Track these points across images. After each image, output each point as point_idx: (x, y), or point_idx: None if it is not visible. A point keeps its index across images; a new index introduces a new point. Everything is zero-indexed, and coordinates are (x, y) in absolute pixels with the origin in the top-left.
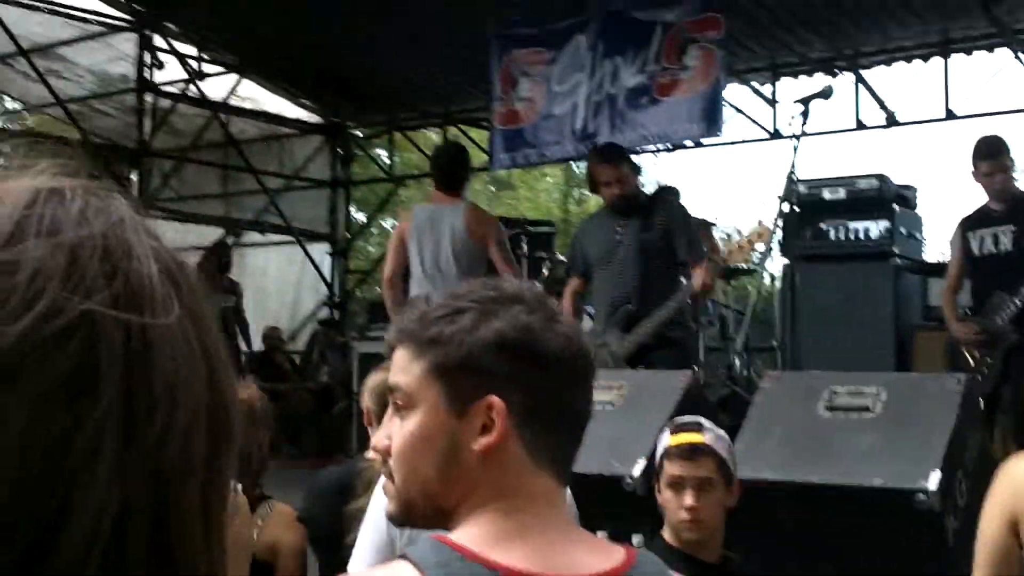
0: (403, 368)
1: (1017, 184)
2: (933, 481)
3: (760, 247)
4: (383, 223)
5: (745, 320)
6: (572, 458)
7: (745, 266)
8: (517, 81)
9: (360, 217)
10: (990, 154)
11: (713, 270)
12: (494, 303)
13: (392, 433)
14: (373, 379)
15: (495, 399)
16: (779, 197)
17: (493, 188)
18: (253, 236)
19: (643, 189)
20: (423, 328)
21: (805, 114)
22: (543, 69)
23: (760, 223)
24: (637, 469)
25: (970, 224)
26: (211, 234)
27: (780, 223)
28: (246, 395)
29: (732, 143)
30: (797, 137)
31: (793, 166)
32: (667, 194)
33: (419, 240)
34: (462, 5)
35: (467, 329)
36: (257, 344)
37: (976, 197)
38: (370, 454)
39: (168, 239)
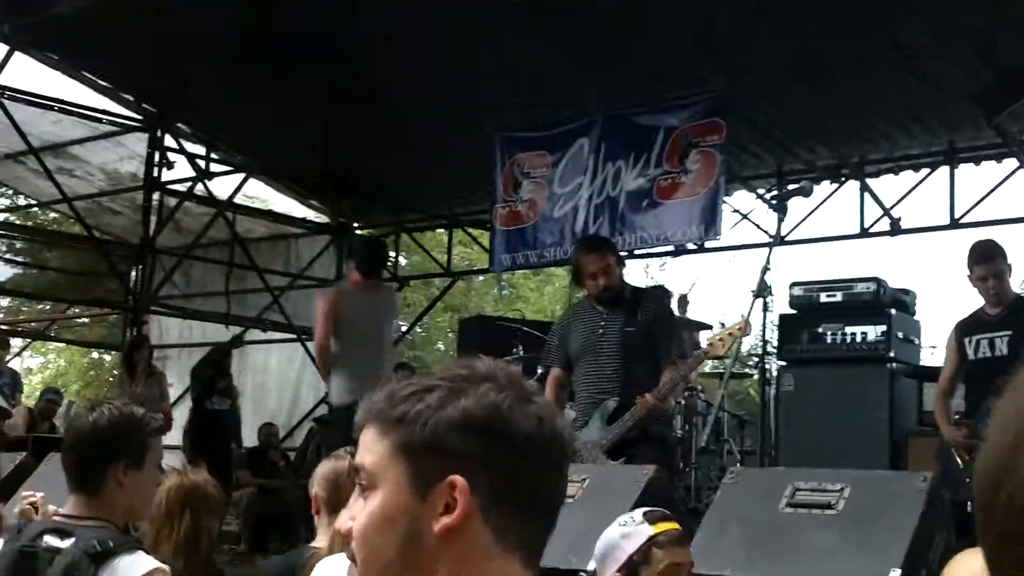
0: (368, 448)
1: (1012, 289)
2: None
3: (735, 341)
4: None
5: (711, 419)
6: (542, 543)
7: (721, 368)
8: (520, 183)
9: None
10: (984, 258)
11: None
12: (464, 381)
13: (355, 514)
14: (324, 467)
15: (458, 478)
16: (752, 291)
17: (500, 292)
18: (255, 333)
19: (628, 283)
20: (390, 407)
21: (783, 211)
22: (546, 171)
23: (742, 316)
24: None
25: (966, 329)
26: (214, 330)
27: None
28: (200, 479)
29: (735, 247)
30: (773, 237)
31: (768, 261)
32: (654, 291)
33: (355, 318)
34: (466, 107)
35: (433, 407)
36: (253, 440)
37: (978, 303)
38: (317, 542)
39: (170, 336)
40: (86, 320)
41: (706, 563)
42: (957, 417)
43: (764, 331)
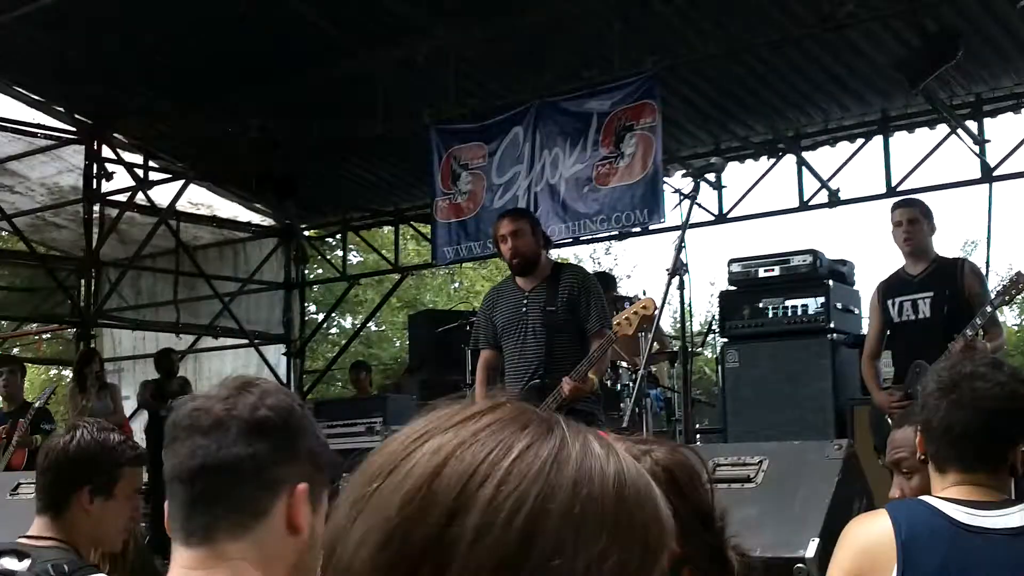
0: None
1: (934, 249)
2: (811, 549)
3: (643, 319)
4: (341, 321)
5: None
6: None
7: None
8: (459, 175)
9: (316, 316)
10: (903, 204)
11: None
12: None
13: None
14: None
15: None
16: (667, 270)
17: (452, 286)
18: (208, 341)
19: (551, 260)
20: None
21: (695, 191)
22: (483, 162)
23: (644, 294)
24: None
25: (888, 290)
26: (167, 340)
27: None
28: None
29: (677, 227)
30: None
31: (682, 241)
32: (575, 266)
33: None
34: (401, 102)
35: None
36: None
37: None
38: None
39: (124, 348)
40: (38, 337)
41: None
42: (886, 384)
43: (683, 308)
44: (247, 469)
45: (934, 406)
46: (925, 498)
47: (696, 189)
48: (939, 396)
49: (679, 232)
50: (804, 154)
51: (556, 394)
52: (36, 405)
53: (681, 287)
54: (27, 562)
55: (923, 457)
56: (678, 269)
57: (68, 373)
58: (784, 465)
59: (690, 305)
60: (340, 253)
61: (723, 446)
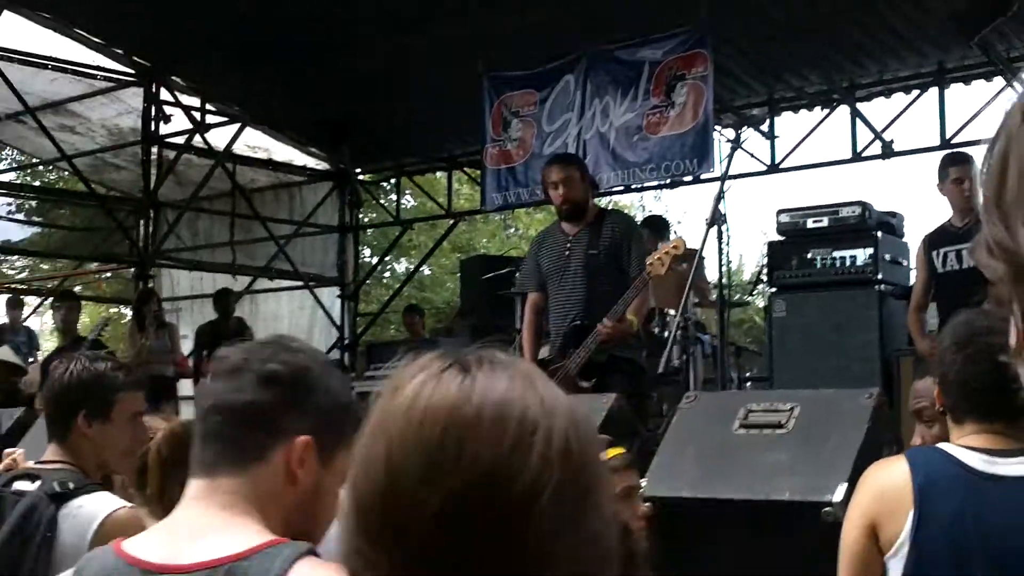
0: None
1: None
2: (839, 494)
3: (674, 259)
4: (394, 265)
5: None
6: None
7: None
8: (509, 122)
9: (371, 260)
10: (960, 159)
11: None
12: None
13: None
14: None
15: None
16: (705, 220)
17: (505, 231)
18: (264, 282)
19: (597, 205)
20: None
21: (736, 140)
22: (533, 109)
23: (676, 235)
24: None
25: (933, 242)
26: (224, 281)
27: (719, 247)
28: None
29: (731, 176)
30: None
31: (721, 191)
32: (619, 211)
33: None
34: (456, 48)
35: None
36: None
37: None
38: None
39: (181, 288)
40: (98, 276)
41: (663, 485)
42: (931, 332)
43: (720, 260)
44: (251, 413)
45: (951, 360)
46: (943, 445)
47: (737, 139)
48: (955, 351)
49: (723, 180)
50: (858, 105)
51: (594, 335)
52: (89, 338)
53: (720, 236)
54: (37, 483)
55: (941, 409)
56: (716, 219)
57: (127, 311)
58: (815, 412)
59: (728, 254)
60: (394, 198)
61: (756, 392)
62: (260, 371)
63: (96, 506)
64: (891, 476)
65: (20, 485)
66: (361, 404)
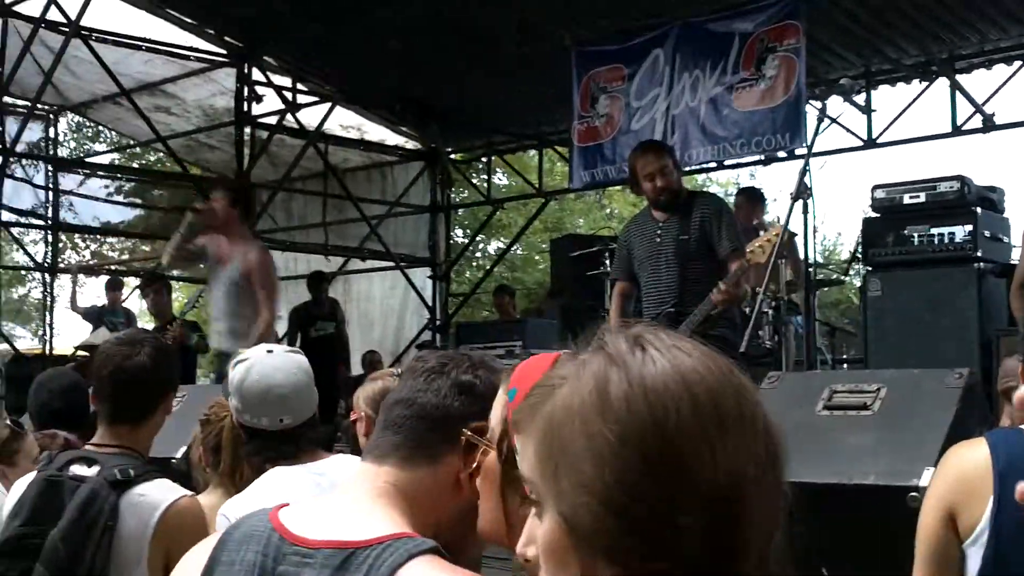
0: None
1: None
2: (925, 478)
3: (775, 247)
4: (486, 245)
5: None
6: None
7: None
8: (596, 98)
9: (462, 240)
10: None
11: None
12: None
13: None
14: (368, 388)
15: None
16: (790, 194)
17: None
18: (356, 263)
19: (685, 188)
20: None
21: (822, 113)
22: (621, 85)
23: (778, 220)
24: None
25: None
26: (318, 262)
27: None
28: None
29: (826, 152)
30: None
31: (807, 164)
32: (708, 193)
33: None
34: (544, 24)
35: None
36: (359, 369)
37: None
38: None
39: (277, 268)
40: None
41: None
42: None
43: (806, 234)
44: (437, 415)
45: None
46: None
47: (823, 109)
48: None
49: (817, 156)
50: (958, 77)
51: (707, 301)
52: (180, 317)
53: (805, 211)
54: (96, 468)
55: None
56: (802, 192)
57: None
58: (902, 393)
59: (814, 228)
60: (485, 177)
61: (840, 373)
62: (457, 379)
63: (158, 494)
64: (971, 459)
65: (77, 469)
66: None
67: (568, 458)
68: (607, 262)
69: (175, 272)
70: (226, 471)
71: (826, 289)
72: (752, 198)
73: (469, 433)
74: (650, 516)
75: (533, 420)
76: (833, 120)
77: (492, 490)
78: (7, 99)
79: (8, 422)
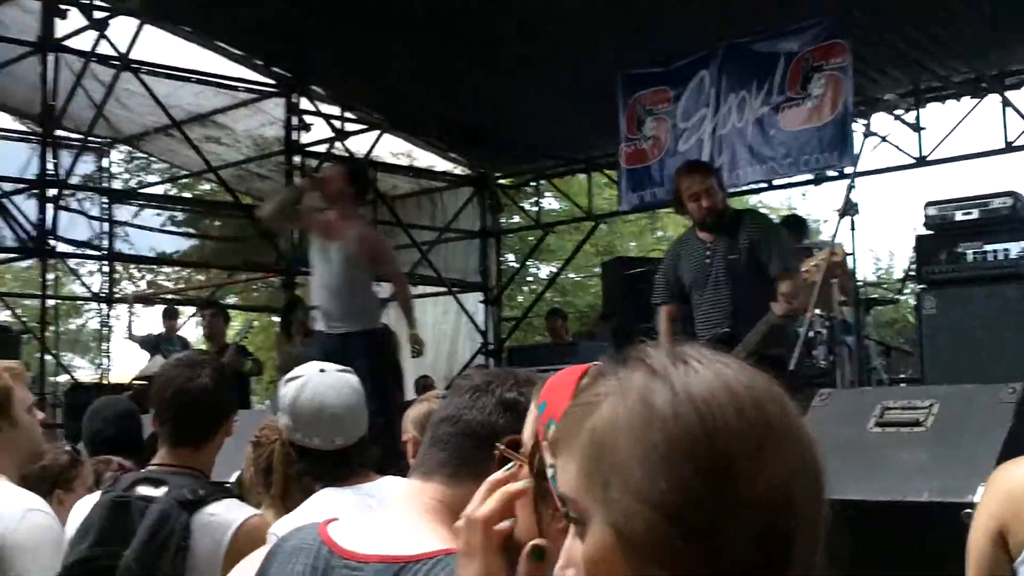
0: None
1: None
2: (980, 494)
3: (831, 267)
4: (537, 269)
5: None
6: None
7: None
8: (643, 120)
9: (513, 264)
10: None
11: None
12: None
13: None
14: (417, 410)
15: None
16: (836, 211)
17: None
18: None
19: (730, 207)
20: None
21: (868, 131)
22: (667, 107)
23: (831, 243)
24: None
25: None
26: None
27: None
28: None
29: (877, 171)
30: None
31: (853, 181)
32: (754, 211)
33: None
34: (589, 48)
35: None
36: (411, 393)
37: None
38: None
39: None
40: (249, 285)
41: None
42: None
43: (853, 250)
44: (482, 432)
45: None
46: None
47: (868, 125)
48: None
49: (866, 175)
50: (1008, 93)
51: (768, 318)
52: (233, 344)
53: (852, 228)
54: (163, 489)
55: None
56: (848, 210)
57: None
58: (955, 409)
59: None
60: (534, 201)
61: (892, 389)
62: (502, 396)
63: (230, 514)
64: (1020, 477)
65: (143, 490)
66: None
67: (617, 469)
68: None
69: (230, 299)
70: (277, 492)
71: (881, 308)
72: (795, 227)
73: (502, 447)
74: (705, 521)
75: (574, 437)
76: (883, 139)
77: (526, 502)
78: (60, 132)
79: (67, 449)
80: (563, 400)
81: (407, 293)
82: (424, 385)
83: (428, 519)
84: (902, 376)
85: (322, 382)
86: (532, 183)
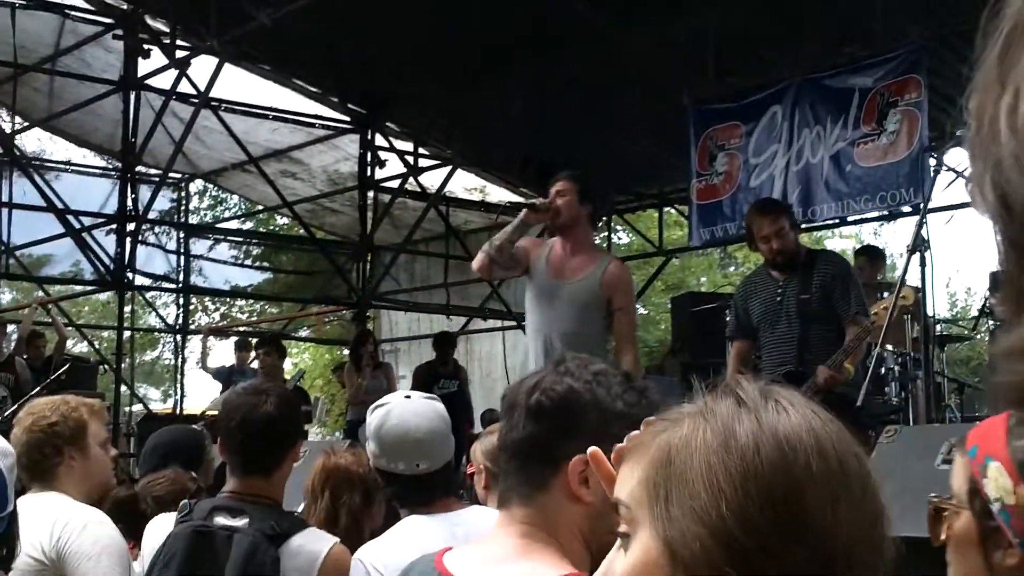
0: None
1: None
2: None
3: (902, 309)
4: None
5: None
6: None
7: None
8: (715, 156)
9: None
10: None
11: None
12: None
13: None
14: (486, 442)
15: None
16: (907, 247)
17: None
18: (479, 322)
19: (804, 247)
20: None
21: (938, 165)
22: (739, 142)
23: (908, 285)
24: None
25: None
26: (441, 322)
27: (923, 274)
28: (343, 460)
29: (953, 207)
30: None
31: (924, 216)
32: (830, 252)
33: None
34: (661, 83)
35: None
36: (480, 427)
37: None
38: None
39: (400, 329)
40: (322, 318)
41: None
42: None
43: (924, 286)
44: (526, 447)
45: None
46: None
47: (940, 160)
48: None
49: (940, 210)
50: None
51: (811, 382)
52: (289, 386)
53: (923, 264)
54: (243, 520)
55: None
56: (919, 246)
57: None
58: None
59: (932, 282)
60: (605, 235)
61: (961, 426)
62: (528, 405)
63: (316, 544)
64: None
65: (223, 520)
66: None
67: (683, 486)
68: (728, 319)
69: (302, 332)
70: (321, 518)
71: (957, 346)
72: (873, 257)
73: (935, 499)
74: (762, 556)
75: (646, 448)
76: (959, 174)
77: (969, 547)
78: (140, 168)
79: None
80: (995, 440)
81: (637, 360)
82: (491, 419)
83: (526, 543)
84: (976, 415)
85: (407, 408)
86: (603, 218)
